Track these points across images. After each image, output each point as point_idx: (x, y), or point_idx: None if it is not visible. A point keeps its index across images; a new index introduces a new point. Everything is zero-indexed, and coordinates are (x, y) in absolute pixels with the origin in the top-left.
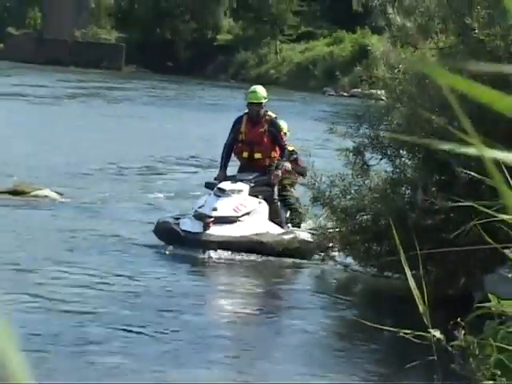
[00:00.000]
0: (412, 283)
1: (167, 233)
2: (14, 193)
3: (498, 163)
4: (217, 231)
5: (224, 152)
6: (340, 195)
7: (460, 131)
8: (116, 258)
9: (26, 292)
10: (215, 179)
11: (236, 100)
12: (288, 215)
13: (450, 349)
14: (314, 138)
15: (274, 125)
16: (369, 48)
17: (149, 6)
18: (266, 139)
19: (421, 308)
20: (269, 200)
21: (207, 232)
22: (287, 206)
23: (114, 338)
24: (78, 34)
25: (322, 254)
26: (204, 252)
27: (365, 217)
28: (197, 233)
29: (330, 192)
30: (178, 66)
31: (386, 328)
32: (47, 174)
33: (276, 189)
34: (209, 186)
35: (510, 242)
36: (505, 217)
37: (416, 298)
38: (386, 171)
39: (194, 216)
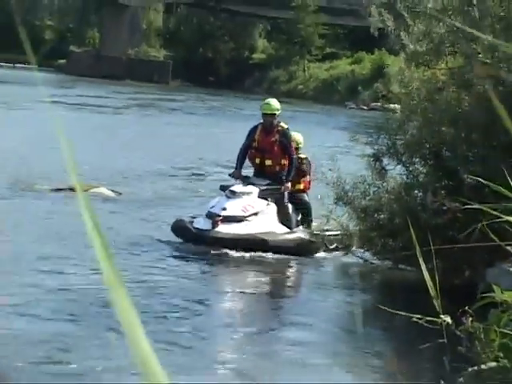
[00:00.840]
0: (426, 274)
1: (181, 230)
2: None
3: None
4: (224, 229)
5: (239, 155)
6: (360, 196)
7: (466, 141)
8: (139, 253)
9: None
10: (230, 175)
11: None
12: (299, 218)
13: (458, 333)
14: (336, 145)
15: (285, 135)
16: (386, 68)
17: (193, 28)
18: (276, 148)
19: (433, 295)
20: (279, 202)
21: (215, 229)
22: (299, 210)
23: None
24: (131, 51)
25: (343, 249)
26: (212, 248)
27: (382, 216)
28: (206, 230)
29: (352, 193)
30: (218, 80)
31: (401, 313)
32: (107, 174)
33: (286, 193)
34: (223, 188)
35: (509, 239)
36: (510, 218)
37: (429, 287)
38: (400, 176)
39: (206, 215)
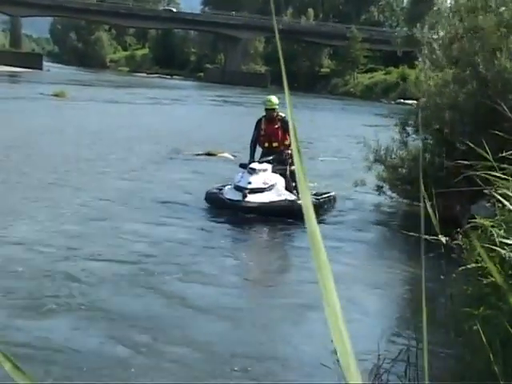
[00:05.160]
0: (429, 208)
1: (215, 200)
2: (209, 154)
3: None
4: (252, 199)
5: (251, 146)
6: (389, 157)
7: (460, 122)
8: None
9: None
10: (241, 166)
11: (332, 105)
12: (294, 185)
13: (453, 246)
14: (375, 124)
15: (284, 122)
16: (407, 77)
17: (283, 52)
18: (280, 132)
19: (434, 221)
20: (284, 175)
21: (246, 199)
22: (293, 179)
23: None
24: (244, 67)
25: (380, 190)
26: (244, 214)
27: (403, 170)
28: (238, 200)
29: (385, 155)
30: (299, 86)
31: (411, 234)
32: (231, 144)
33: (288, 167)
34: (242, 166)
35: (486, 185)
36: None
37: (431, 215)
38: (416, 144)
39: (234, 188)
